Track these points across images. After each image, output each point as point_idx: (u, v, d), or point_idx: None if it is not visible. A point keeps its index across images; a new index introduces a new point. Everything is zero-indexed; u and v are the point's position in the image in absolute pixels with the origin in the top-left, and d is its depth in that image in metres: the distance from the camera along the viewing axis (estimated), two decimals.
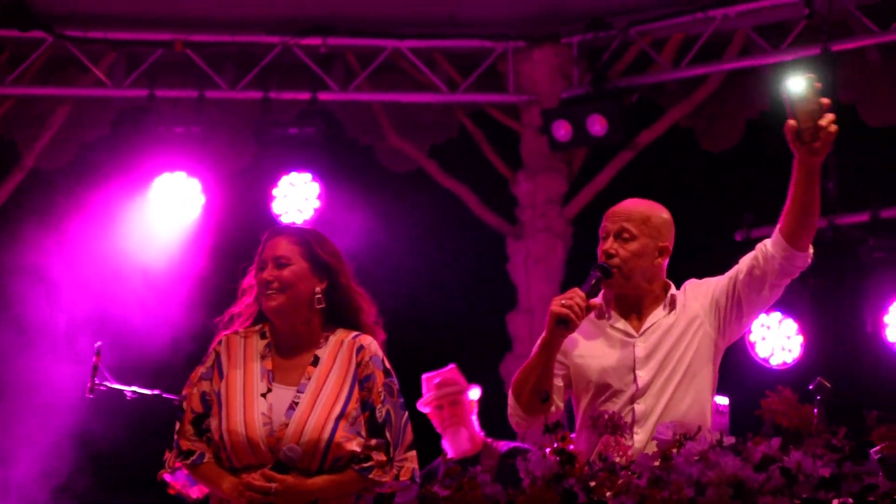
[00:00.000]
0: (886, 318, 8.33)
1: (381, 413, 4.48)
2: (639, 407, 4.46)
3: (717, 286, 4.62)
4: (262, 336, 4.59)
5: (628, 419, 4.37)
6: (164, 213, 9.03)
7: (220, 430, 4.44)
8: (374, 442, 4.46)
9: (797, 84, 4.19)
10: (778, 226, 4.54)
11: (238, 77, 9.31)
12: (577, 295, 4.44)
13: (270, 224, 9.08)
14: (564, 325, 4.43)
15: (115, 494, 8.21)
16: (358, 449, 4.42)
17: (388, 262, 9.36)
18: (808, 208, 4.38)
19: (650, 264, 4.62)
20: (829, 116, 4.22)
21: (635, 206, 4.68)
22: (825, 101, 4.22)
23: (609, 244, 4.60)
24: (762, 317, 8.62)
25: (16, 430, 8.25)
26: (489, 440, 7.53)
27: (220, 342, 4.59)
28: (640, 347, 4.56)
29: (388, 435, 4.48)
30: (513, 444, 7.59)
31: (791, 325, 8.60)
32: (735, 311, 4.57)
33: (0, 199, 9.11)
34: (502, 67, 9.53)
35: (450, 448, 7.43)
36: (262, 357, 4.54)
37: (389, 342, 9.19)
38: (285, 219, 9.18)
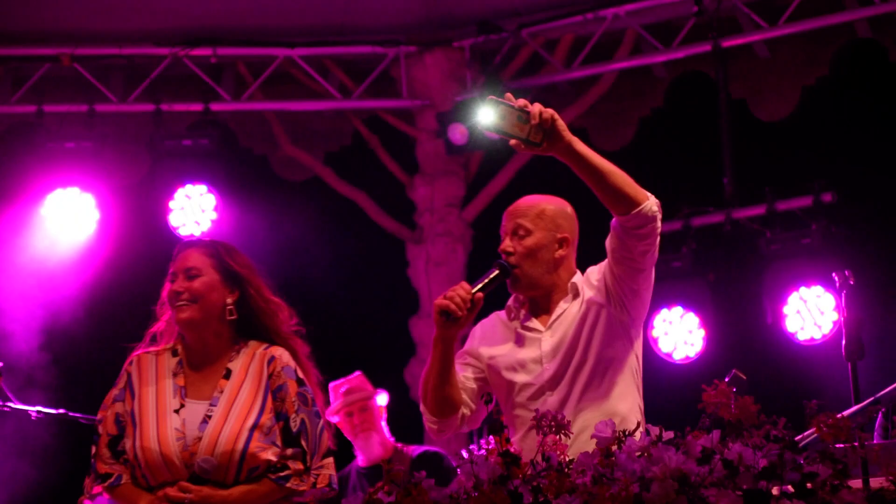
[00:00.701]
0: (785, 309, 8.46)
1: (295, 422, 4.46)
2: (551, 399, 4.45)
3: (604, 266, 4.56)
4: (174, 354, 4.55)
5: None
6: (58, 230, 8.89)
7: (133, 450, 4.39)
8: (290, 451, 4.44)
9: (485, 115, 4.15)
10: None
11: (128, 90, 9.21)
12: (461, 287, 4.41)
13: (168, 237, 9.05)
14: (446, 316, 4.37)
15: None
16: (273, 458, 4.40)
17: (288, 271, 9.24)
18: (603, 184, 4.27)
19: (551, 257, 4.56)
20: (535, 108, 4.16)
21: (529, 201, 4.63)
22: (519, 102, 4.18)
23: (506, 243, 4.56)
24: (664, 312, 8.73)
25: None
26: (399, 445, 7.52)
27: (131, 362, 4.54)
28: (547, 341, 4.53)
29: (303, 443, 4.46)
30: (423, 448, 7.59)
31: (693, 319, 8.71)
32: (619, 286, 4.48)
33: None
34: (395, 73, 9.52)
35: (362, 455, 7.41)
36: (175, 374, 4.51)
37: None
38: (183, 231, 9.10)
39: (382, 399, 7.60)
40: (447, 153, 9.27)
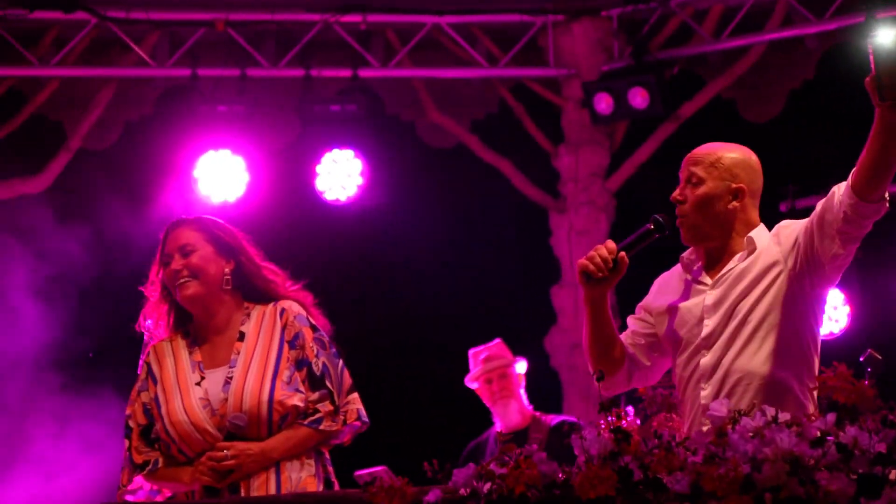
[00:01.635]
0: None
1: (317, 366, 4.54)
2: (704, 360, 4.27)
3: (801, 227, 4.28)
4: (186, 334, 4.65)
5: (697, 372, 4.25)
6: (210, 191, 9.10)
7: (164, 430, 4.51)
8: (316, 395, 4.52)
9: (886, 36, 3.90)
10: (851, 172, 4.17)
11: (279, 55, 9.35)
12: (604, 247, 4.26)
13: (315, 200, 9.21)
14: (587, 277, 4.26)
15: None
16: (301, 404, 4.48)
17: (431, 238, 9.40)
18: (881, 164, 4.02)
19: (723, 208, 4.30)
20: None
21: (707, 148, 4.38)
22: None
23: (678, 191, 4.34)
24: None
25: None
26: (537, 413, 7.57)
27: (148, 353, 4.66)
28: (710, 296, 4.30)
29: (328, 384, 4.54)
30: (561, 418, 7.63)
31: (838, 296, 8.59)
32: (811, 254, 4.19)
33: (48, 181, 9.19)
34: (542, 41, 9.52)
35: (500, 421, 7.48)
36: (190, 352, 4.61)
37: (436, 317, 9.26)
38: (329, 196, 9.25)
39: (522, 367, 7.66)
40: (592, 123, 9.25)
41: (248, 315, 4.62)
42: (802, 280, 4.25)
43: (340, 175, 9.28)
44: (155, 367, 4.62)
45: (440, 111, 9.57)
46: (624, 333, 4.48)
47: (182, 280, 4.54)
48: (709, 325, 4.29)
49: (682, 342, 4.34)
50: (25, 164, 9.21)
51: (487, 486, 3.22)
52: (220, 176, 9.14)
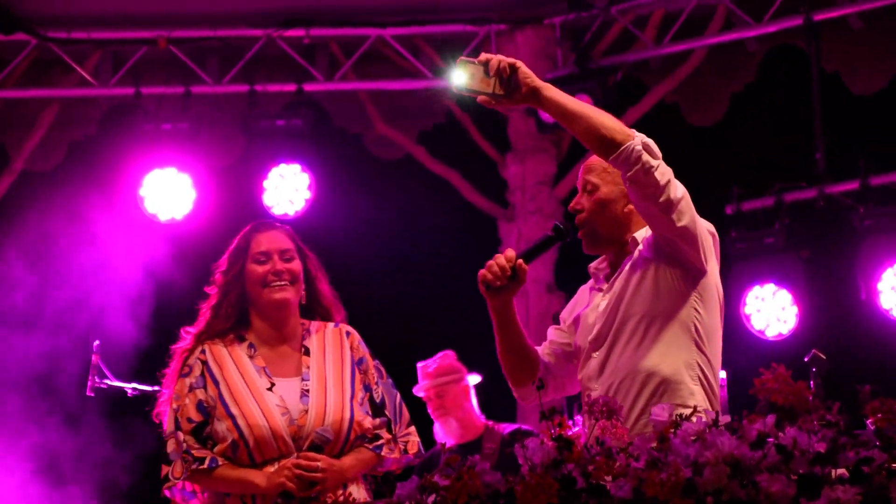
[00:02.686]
0: (879, 285, 8.36)
1: (377, 393, 4.63)
2: (593, 361, 4.30)
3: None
4: (241, 339, 4.63)
5: (587, 373, 4.29)
6: (156, 209, 9.06)
7: (236, 430, 4.46)
8: (377, 421, 4.59)
9: (457, 77, 4.06)
10: None
11: (223, 71, 9.33)
12: (502, 255, 4.28)
13: (263, 216, 9.18)
14: (486, 286, 4.27)
15: None
16: (371, 426, 4.56)
17: (380, 250, 9.40)
18: (579, 130, 4.10)
19: (620, 211, 4.32)
20: (493, 60, 4.02)
21: (595, 158, 4.38)
22: (481, 58, 4.04)
23: (576, 200, 4.37)
24: (756, 288, 8.67)
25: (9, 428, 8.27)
26: (490, 423, 7.56)
27: (202, 350, 4.60)
28: (604, 301, 4.34)
29: (387, 413, 4.62)
30: (515, 426, 7.63)
31: (785, 297, 8.63)
32: (659, 238, 4.23)
33: None
34: (486, 51, 9.51)
35: (442, 435, 7.47)
36: (251, 357, 4.59)
37: (386, 329, 9.21)
38: (276, 211, 9.22)
39: (474, 379, 7.64)
40: (538, 131, 9.28)
41: (308, 331, 4.66)
42: (672, 268, 4.25)
43: (288, 189, 9.27)
44: (214, 367, 4.57)
45: (387, 123, 9.58)
46: (543, 344, 4.52)
47: (281, 283, 4.58)
48: (597, 327, 4.32)
49: (580, 349, 4.40)
50: None
51: (431, 498, 3.22)
52: (167, 194, 9.11)
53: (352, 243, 9.35)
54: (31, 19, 9.01)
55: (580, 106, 4.13)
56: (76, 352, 6.55)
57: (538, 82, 4.11)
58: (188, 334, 4.66)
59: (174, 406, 4.56)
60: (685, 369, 4.23)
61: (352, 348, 4.66)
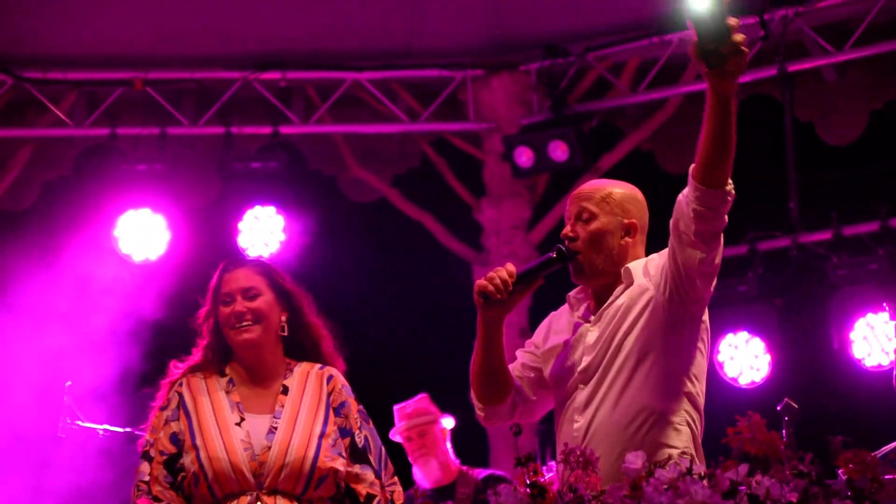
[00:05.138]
0: (852, 335, 8.41)
1: (360, 438, 4.52)
2: (581, 394, 4.21)
3: (662, 257, 4.21)
4: (222, 374, 4.58)
5: (572, 407, 4.20)
6: (130, 250, 9.04)
7: (198, 462, 4.41)
8: (357, 467, 4.50)
9: (701, 2, 3.72)
10: (690, 168, 4.07)
11: (199, 113, 9.34)
12: (503, 269, 4.17)
13: (238, 258, 9.16)
14: (484, 298, 4.16)
15: None
16: (342, 468, 4.46)
17: (354, 292, 9.38)
18: (721, 140, 3.92)
19: (616, 244, 4.23)
20: (739, 36, 3.74)
21: (596, 184, 4.34)
22: (733, 20, 3.73)
23: (569, 227, 4.26)
24: (729, 336, 8.70)
25: None
26: (465, 468, 7.55)
27: (180, 384, 4.57)
28: (592, 333, 4.24)
29: (371, 459, 4.53)
30: (489, 472, 7.62)
31: (758, 345, 8.67)
32: (677, 271, 4.09)
33: None
34: (462, 96, 9.59)
35: (422, 478, 7.45)
36: (227, 392, 4.54)
37: (361, 373, 9.17)
38: (251, 252, 9.20)
39: (448, 422, 7.64)
40: (514, 176, 9.31)
41: (291, 371, 4.57)
42: (674, 304, 4.15)
43: (263, 231, 9.27)
44: (188, 399, 4.52)
45: (362, 166, 9.60)
46: (513, 365, 4.39)
47: (245, 323, 4.49)
48: (586, 360, 4.22)
49: (561, 380, 4.28)
50: None
51: None
52: (141, 235, 9.09)
53: (325, 286, 9.25)
54: (7, 58, 9.01)
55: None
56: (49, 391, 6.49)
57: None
58: (177, 368, 4.63)
59: (150, 438, 4.55)
60: (674, 407, 4.16)
61: (334, 391, 4.55)
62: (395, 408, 7.65)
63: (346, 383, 4.59)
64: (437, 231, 9.64)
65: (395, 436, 7.57)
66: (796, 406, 5.03)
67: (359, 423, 4.54)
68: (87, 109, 9.29)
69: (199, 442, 4.44)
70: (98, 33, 9.12)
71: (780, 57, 8.61)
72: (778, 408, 4.95)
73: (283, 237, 9.26)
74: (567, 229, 4.26)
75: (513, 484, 3.15)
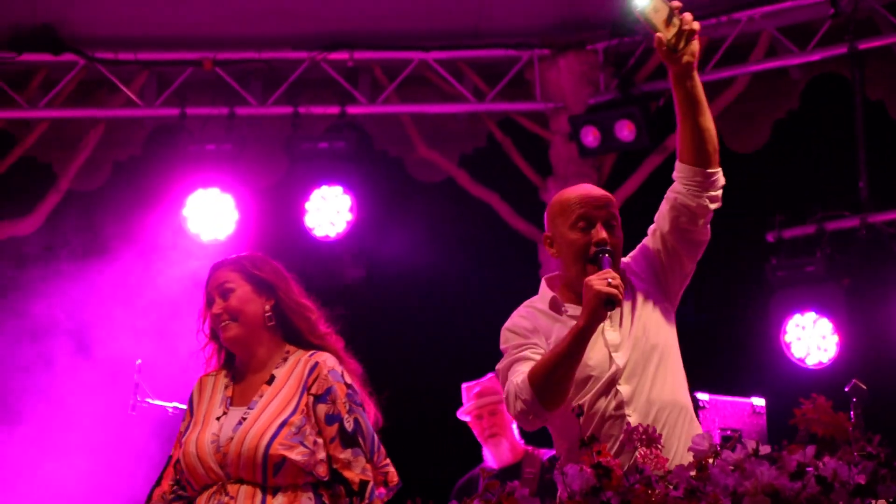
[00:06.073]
0: None
1: (349, 423, 4.49)
2: (623, 388, 4.23)
3: (645, 254, 4.35)
4: (230, 370, 4.66)
5: (613, 403, 4.22)
6: (199, 229, 9.12)
7: (181, 460, 4.54)
8: (349, 452, 4.47)
9: (642, 1, 4.07)
10: (678, 159, 4.28)
11: (267, 93, 9.40)
12: (615, 274, 4.11)
13: (304, 237, 9.24)
14: (611, 305, 4.07)
15: None
16: (300, 458, 4.42)
17: (420, 272, 9.43)
18: (698, 117, 4.18)
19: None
20: (687, 16, 4.07)
21: (600, 190, 4.38)
22: (675, 3, 4.08)
23: (604, 232, 4.24)
24: (797, 317, 8.65)
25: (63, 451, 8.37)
26: (529, 448, 7.56)
27: (196, 385, 4.69)
28: (609, 332, 4.27)
29: (360, 442, 4.50)
30: (553, 452, 7.62)
31: (826, 325, 8.61)
32: (673, 267, 4.28)
33: (37, 222, 9.22)
34: (529, 75, 9.58)
35: (491, 458, 7.47)
36: (226, 387, 4.61)
37: (427, 352, 9.23)
38: (318, 232, 9.27)
39: None
40: (580, 156, 9.29)
41: (286, 360, 4.59)
42: (669, 300, 4.34)
43: (329, 211, 9.31)
44: (195, 401, 4.63)
45: (428, 146, 9.62)
46: (527, 365, 4.26)
47: (223, 323, 4.55)
48: (619, 357, 4.26)
49: (589, 380, 4.26)
50: (15, 206, 9.24)
51: None
52: (210, 214, 9.16)
53: (392, 265, 9.39)
54: (79, 40, 9.11)
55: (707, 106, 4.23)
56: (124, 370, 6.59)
57: (695, 62, 4.18)
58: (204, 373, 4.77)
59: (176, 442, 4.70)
60: (691, 400, 4.37)
61: (318, 378, 4.51)
62: (464, 387, 7.66)
63: (336, 368, 4.55)
64: (504, 211, 9.64)
65: (464, 416, 7.59)
66: (864, 387, 5.01)
67: (347, 407, 4.50)
68: (157, 90, 9.37)
69: (184, 440, 4.55)
70: (168, 15, 9.21)
71: (850, 35, 8.53)
72: (846, 389, 4.93)
73: (349, 217, 9.30)
74: (605, 234, 4.25)
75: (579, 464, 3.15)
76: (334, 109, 9.32)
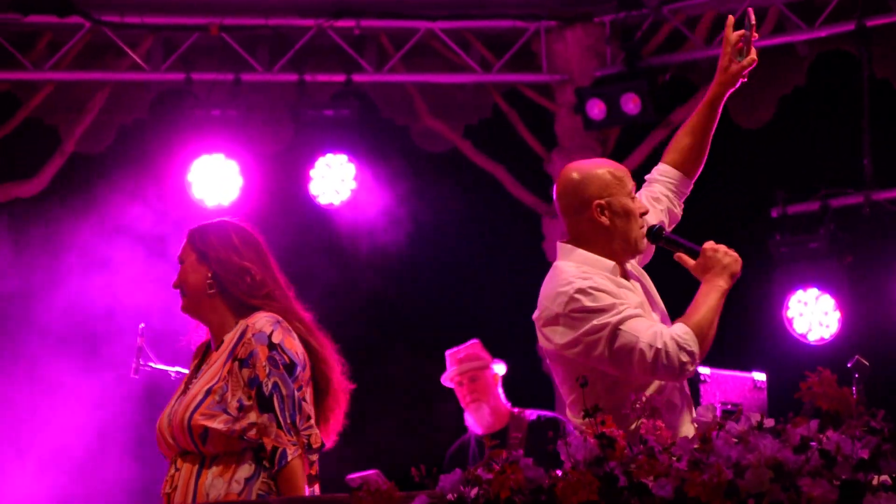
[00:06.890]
0: None
1: (266, 386, 4.41)
2: None
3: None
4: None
5: None
6: (203, 195, 9.12)
7: None
8: (265, 417, 4.40)
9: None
10: (667, 158, 4.71)
11: (273, 60, 9.38)
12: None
13: (308, 205, 9.25)
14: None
15: None
16: (221, 426, 4.39)
17: (423, 241, 9.44)
18: (708, 136, 4.60)
19: None
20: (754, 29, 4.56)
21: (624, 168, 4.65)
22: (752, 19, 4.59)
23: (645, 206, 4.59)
24: (799, 293, 8.68)
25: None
26: (516, 410, 7.61)
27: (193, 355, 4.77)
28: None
29: (276, 405, 4.40)
30: (538, 412, 7.66)
31: (828, 301, 8.63)
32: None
33: (42, 184, 9.22)
34: (535, 47, 9.56)
35: (474, 423, 7.53)
36: (202, 361, 4.65)
37: (427, 321, 9.23)
38: (322, 200, 9.28)
39: (500, 368, 7.70)
40: (585, 128, 9.28)
41: (233, 329, 4.56)
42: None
43: (334, 179, 9.31)
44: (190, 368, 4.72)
45: (434, 116, 9.60)
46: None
47: (181, 296, 4.61)
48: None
49: None
50: (20, 168, 9.25)
51: (474, 491, 3.24)
52: (214, 180, 9.16)
53: (395, 234, 9.40)
54: (86, 3, 9.08)
55: None
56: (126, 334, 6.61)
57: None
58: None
59: None
60: None
61: (243, 342, 4.46)
62: (447, 353, 7.71)
63: (264, 329, 4.47)
64: (508, 182, 9.64)
65: (447, 382, 7.64)
66: (867, 363, 5.02)
67: (267, 370, 4.42)
68: (163, 54, 9.34)
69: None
70: None
71: (858, 12, 8.51)
72: (849, 364, 4.94)
73: (353, 185, 9.30)
74: (643, 208, 4.55)
75: (564, 422, 3.18)
76: (340, 77, 9.30)
